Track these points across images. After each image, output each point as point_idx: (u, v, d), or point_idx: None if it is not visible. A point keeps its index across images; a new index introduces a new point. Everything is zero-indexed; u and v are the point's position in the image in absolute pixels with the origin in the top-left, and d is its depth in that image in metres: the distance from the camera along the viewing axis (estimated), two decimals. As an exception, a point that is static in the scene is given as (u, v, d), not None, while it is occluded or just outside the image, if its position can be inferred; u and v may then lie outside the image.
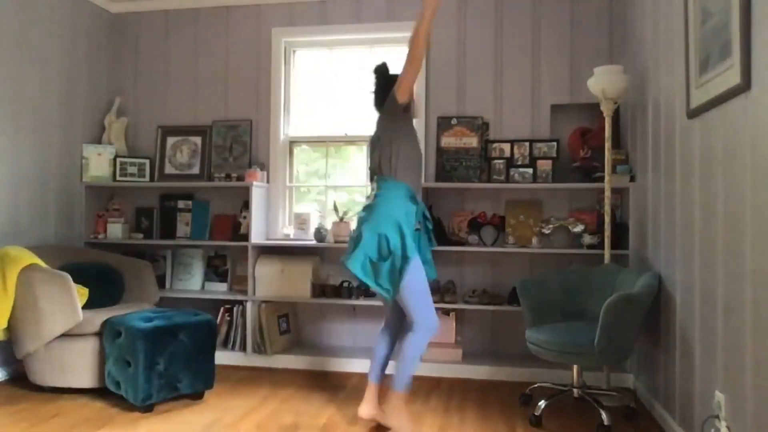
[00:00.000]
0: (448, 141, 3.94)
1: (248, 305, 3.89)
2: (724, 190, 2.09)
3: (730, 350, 2.04)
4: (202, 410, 3.05)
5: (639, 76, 3.36)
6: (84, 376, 3.18)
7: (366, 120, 4.21)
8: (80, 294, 3.27)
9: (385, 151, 2.75)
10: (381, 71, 2.92)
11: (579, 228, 3.65)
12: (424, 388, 3.46)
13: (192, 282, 4.26)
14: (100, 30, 4.40)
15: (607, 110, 3.28)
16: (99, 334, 3.18)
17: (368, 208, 2.74)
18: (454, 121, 3.95)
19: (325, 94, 4.29)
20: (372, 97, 2.94)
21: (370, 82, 2.95)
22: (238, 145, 4.25)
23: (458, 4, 4.03)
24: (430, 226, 2.90)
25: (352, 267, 2.61)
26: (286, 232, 4.18)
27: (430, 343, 3.80)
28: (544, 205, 3.89)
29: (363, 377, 3.67)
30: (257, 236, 3.95)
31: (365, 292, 3.97)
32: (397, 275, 2.60)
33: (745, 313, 1.92)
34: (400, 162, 2.73)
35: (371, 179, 2.87)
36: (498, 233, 3.78)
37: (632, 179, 3.48)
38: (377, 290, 2.65)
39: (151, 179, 4.33)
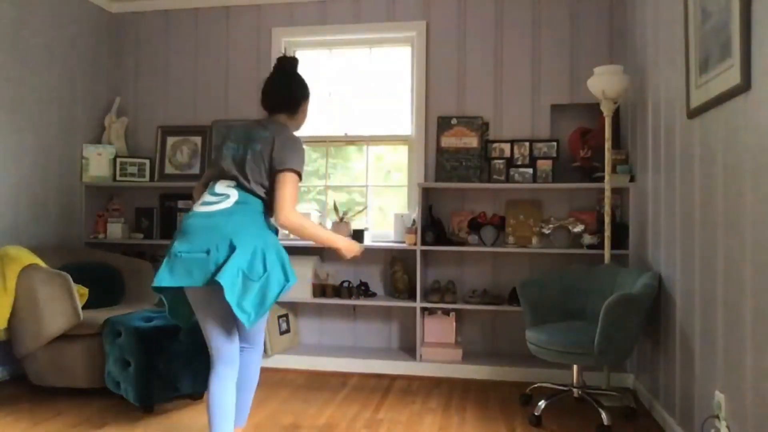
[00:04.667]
0: (448, 141, 3.94)
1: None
2: (724, 190, 2.09)
3: (730, 350, 2.04)
4: (201, 410, 3.05)
5: (639, 76, 3.36)
6: (84, 376, 3.17)
7: (366, 120, 4.22)
8: (80, 294, 3.27)
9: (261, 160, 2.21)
10: (293, 68, 2.42)
11: (579, 228, 3.65)
12: (424, 388, 3.46)
13: (192, 282, 4.25)
14: (100, 30, 4.40)
15: (607, 110, 3.28)
16: (99, 334, 3.17)
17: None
18: (454, 121, 3.95)
19: (325, 94, 4.29)
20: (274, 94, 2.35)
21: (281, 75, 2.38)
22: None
23: (458, 4, 4.03)
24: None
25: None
26: (286, 231, 4.17)
27: (431, 343, 3.84)
28: (544, 205, 3.89)
29: (363, 377, 3.67)
30: (257, 236, 3.95)
31: (365, 292, 3.97)
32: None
33: (745, 314, 1.92)
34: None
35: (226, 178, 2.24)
36: (498, 233, 3.78)
37: (632, 179, 3.48)
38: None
39: (151, 179, 4.33)
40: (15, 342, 3.21)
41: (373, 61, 4.23)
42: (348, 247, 2.32)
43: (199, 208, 2.18)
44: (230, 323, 2.19)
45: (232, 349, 2.19)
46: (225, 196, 2.17)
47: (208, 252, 2.05)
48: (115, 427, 2.80)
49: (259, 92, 2.40)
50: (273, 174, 2.18)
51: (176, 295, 2.27)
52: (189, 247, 2.08)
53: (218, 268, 2.02)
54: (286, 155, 2.18)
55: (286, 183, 2.16)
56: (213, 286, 2.04)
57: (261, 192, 2.20)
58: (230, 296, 2.00)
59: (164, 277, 2.07)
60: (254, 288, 2.05)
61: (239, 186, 2.19)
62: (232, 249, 2.05)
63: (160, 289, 2.19)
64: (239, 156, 2.21)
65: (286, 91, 2.34)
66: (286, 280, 2.13)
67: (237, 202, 2.16)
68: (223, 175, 2.22)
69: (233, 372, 2.18)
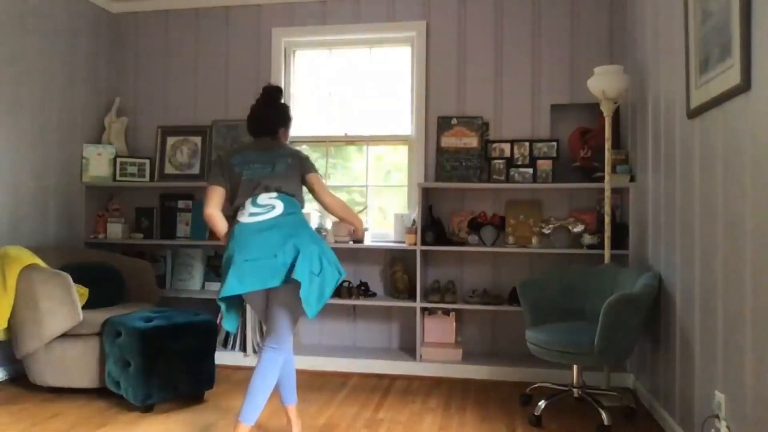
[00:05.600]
0: (448, 141, 3.94)
1: (248, 305, 3.88)
2: (724, 189, 2.09)
3: (730, 350, 2.04)
4: (202, 410, 3.05)
5: (639, 76, 3.36)
6: (84, 376, 3.17)
7: (366, 120, 4.22)
8: (80, 294, 3.28)
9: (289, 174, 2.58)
10: (278, 95, 2.75)
11: (579, 228, 3.65)
12: (424, 388, 3.46)
13: (192, 282, 4.26)
14: (100, 30, 4.40)
15: (607, 110, 3.28)
16: (99, 334, 3.17)
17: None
18: (454, 121, 3.95)
19: (325, 94, 4.29)
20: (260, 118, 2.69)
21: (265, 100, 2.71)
22: (238, 145, 4.25)
23: (458, 4, 4.03)
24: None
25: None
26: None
27: (431, 343, 3.84)
28: (544, 205, 3.89)
29: (363, 377, 3.67)
30: (257, 236, 3.95)
31: (365, 292, 3.97)
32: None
33: (745, 313, 1.92)
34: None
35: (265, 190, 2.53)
36: (498, 233, 3.78)
37: (632, 179, 3.48)
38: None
39: (151, 179, 4.33)
40: (15, 342, 3.21)
41: (373, 61, 4.23)
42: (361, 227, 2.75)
43: (248, 219, 2.44)
44: (288, 316, 2.46)
45: (288, 339, 2.50)
46: (270, 206, 2.46)
47: (275, 256, 2.32)
48: (115, 427, 2.80)
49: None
50: (304, 179, 2.59)
51: (231, 302, 2.47)
52: (256, 254, 2.33)
53: (288, 269, 2.31)
54: (306, 163, 2.62)
55: (319, 180, 2.62)
56: (275, 285, 2.34)
57: (298, 195, 2.56)
58: (305, 293, 2.28)
59: (234, 286, 2.30)
60: (316, 282, 2.34)
61: (281, 194, 2.49)
62: (296, 250, 2.33)
63: (224, 299, 2.40)
64: (268, 172, 2.51)
65: (268, 120, 2.67)
66: (339, 273, 2.44)
67: (285, 209, 2.46)
68: (260, 190, 2.48)
69: (280, 357, 2.46)
